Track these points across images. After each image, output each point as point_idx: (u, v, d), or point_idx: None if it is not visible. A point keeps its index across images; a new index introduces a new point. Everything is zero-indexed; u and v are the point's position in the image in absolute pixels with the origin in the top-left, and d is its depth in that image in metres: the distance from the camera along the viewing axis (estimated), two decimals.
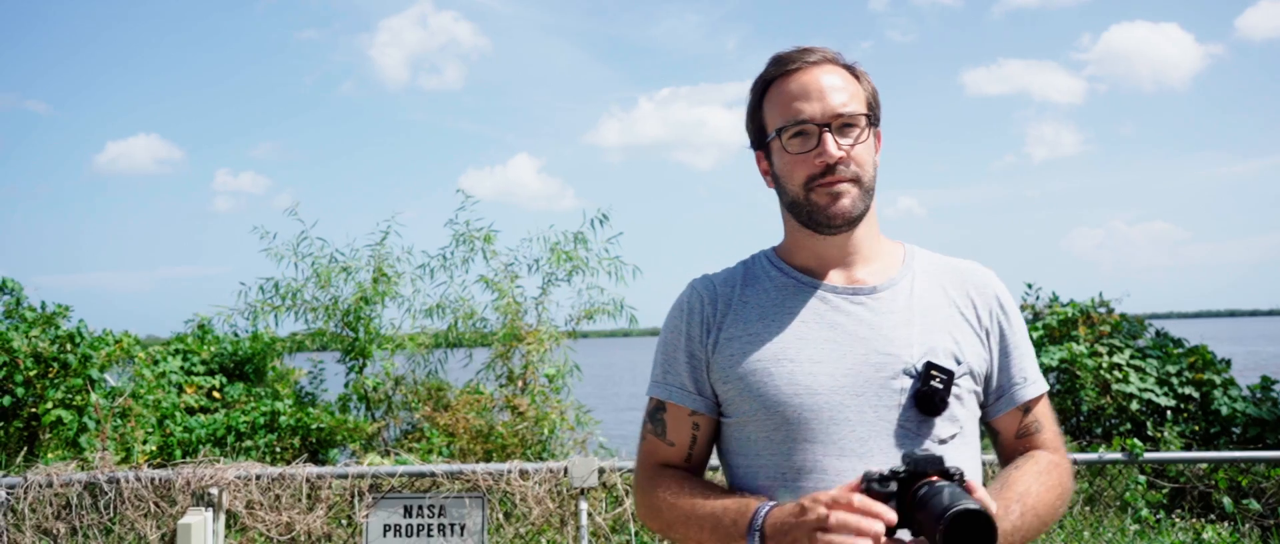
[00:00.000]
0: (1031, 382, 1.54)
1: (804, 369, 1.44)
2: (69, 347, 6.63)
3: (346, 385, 8.03)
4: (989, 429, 1.59)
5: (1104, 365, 8.00)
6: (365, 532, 4.11)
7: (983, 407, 1.54)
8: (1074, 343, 8.08)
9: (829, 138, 1.45)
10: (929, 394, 1.41)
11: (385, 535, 4.13)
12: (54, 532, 4.02)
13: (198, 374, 8.26)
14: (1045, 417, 1.56)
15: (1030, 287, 9.16)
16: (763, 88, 1.54)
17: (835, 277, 1.53)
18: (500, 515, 4.29)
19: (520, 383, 7.55)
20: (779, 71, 1.51)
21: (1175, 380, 7.96)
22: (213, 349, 8.62)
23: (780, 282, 1.55)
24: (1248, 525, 4.93)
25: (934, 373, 1.42)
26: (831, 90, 1.47)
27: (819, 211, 1.47)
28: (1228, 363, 8.11)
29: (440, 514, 4.16)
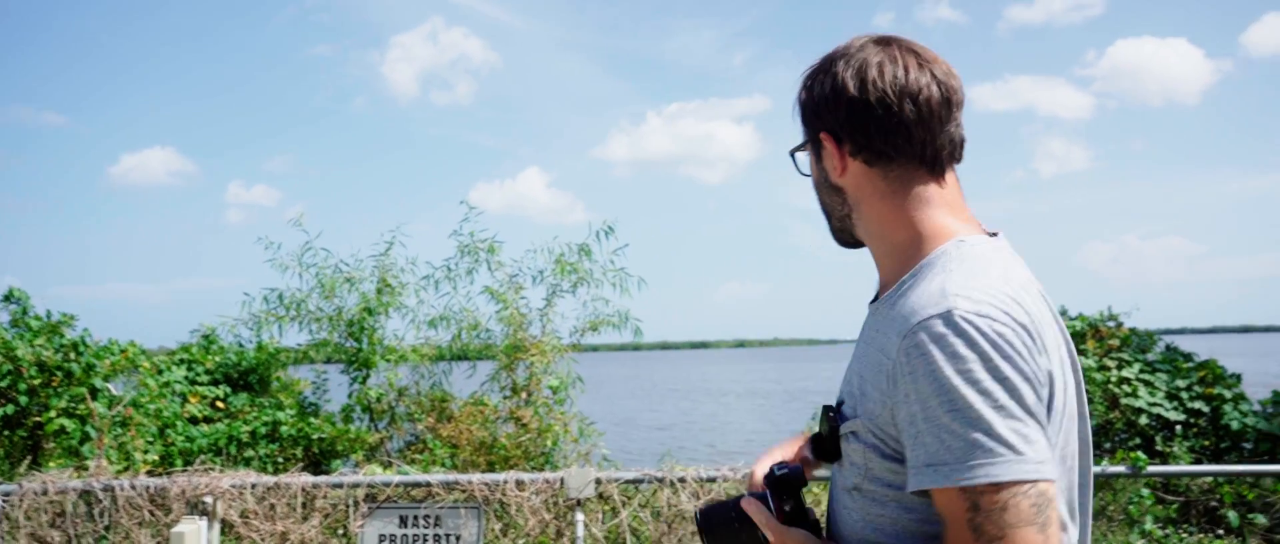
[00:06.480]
0: (920, 470, 1.15)
1: None
2: (73, 355, 6.64)
3: (350, 396, 8.02)
4: None
5: (1113, 379, 7.92)
6: (360, 541, 4.08)
7: None
8: (1082, 356, 8.00)
9: None
10: (817, 438, 1.34)
11: None
12: (48, 539, 4.01)
13: (202, 384, 8.27)
14: (954, 519, 1.13)
15: None
16: None
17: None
18: (497, 526, 4.25)
19: (524, 394, 7.53)
20: None
21: (1185, 395, 7.88)
22: (217, 359, 8.63)
23: None
24: (1254, 540, 4.85)
25: (830, 415, 1.33)
26: None
27: None
28: (1238, 377, 8.02)
29: (436, 524, 4.13)
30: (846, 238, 1.43)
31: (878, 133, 1.30)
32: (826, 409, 1.33)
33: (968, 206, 1.37)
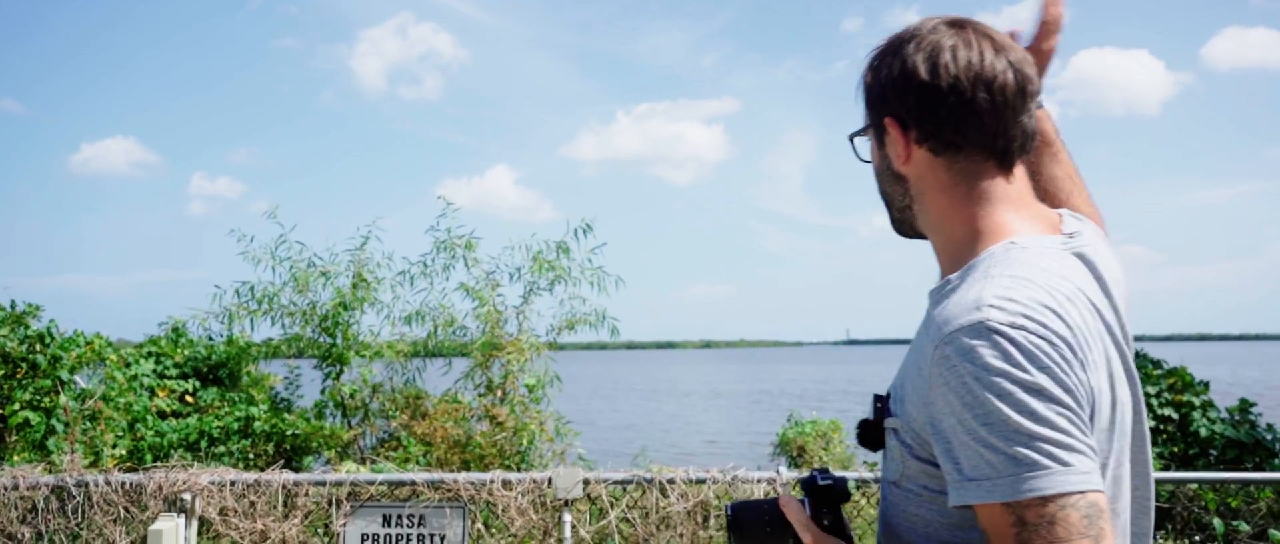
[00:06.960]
0: (962, 484, 1.09)
1: None
2: (38, 347, 6.47)
3: (323, 392, 7.90)
4: None
5: None
6: (342, 540, 4.01)
7: None
8: None
9: None
10: (864, 423, 1.28)
11: None
12: (18, 536, 3.89)
13: (171, 378, 8.10)
14: (999, 534, 1.07)
15: None
16: None
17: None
18: (481, 526, 4.20)
19: (499, 392, 7.46)
20: None
21: (1155, 401, 7.99)
22: (186, 352, 8.46)
23: None
24: None
25: (878, 405, 1.27)
26: None
27: None
28: (1206, 385, 8.15)
29: (420, 524, 4.07)
30: (906, 229, 1.37)
31: (948, 121, 1.23)
32: (877, 398, 1.28)
33: (1036, 201, 1.31)
